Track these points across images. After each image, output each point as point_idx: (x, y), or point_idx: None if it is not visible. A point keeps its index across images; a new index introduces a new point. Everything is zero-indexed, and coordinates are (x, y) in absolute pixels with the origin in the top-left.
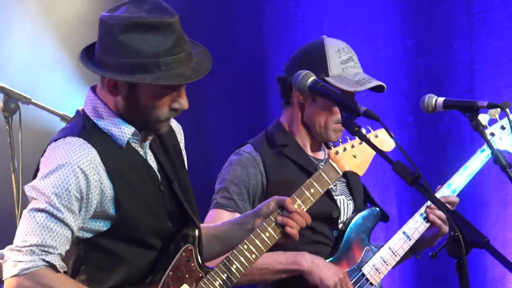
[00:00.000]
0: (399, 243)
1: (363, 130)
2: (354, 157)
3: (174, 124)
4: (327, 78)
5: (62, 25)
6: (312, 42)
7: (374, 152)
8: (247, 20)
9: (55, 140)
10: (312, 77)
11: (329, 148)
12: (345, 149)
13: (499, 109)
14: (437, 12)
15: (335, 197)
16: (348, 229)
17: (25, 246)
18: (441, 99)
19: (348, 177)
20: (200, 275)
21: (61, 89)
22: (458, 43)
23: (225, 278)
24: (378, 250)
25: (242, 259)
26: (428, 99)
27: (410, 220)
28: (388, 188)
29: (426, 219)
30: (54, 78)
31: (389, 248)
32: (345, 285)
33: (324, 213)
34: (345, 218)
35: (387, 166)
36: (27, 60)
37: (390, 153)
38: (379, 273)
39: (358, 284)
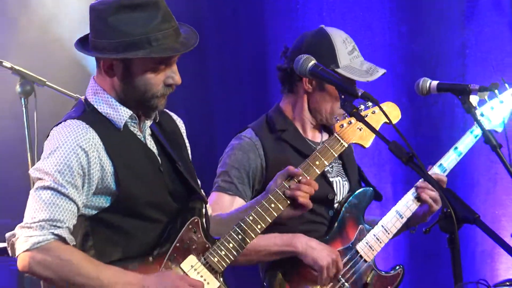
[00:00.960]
0: (391, 221)
1: (362, 106)
2: (360, 130)
3: (175, 117)
4: (337, 70)
5: (75, 13)
6: (314, 33)
7: (379, 124)
8: (249, 9)
9: (57, 125)
10: (313, 61)
11: (329, 130)
12: (350, 123)
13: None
14: (430, 0)
15: (331, 179)
16: (343, 209)
17: (35, 222)
18: (435, 83)
19: (344, 158)
20: (207, 245)
21: (74, 72)
22: (451, 30)
23: (230, 248)
24: (372, 228)
25: (248, 229)
26: (423, 82)
27: (402, 199)
28: (383, 166)
29: (418, 198)
30: (67, 62)
31: (382, 226)
32: (337, 265)
33: (321, 195)
34: (340, 198)
35: (383, 145)
36: (42, 43)
37: (385, 134)
38: (373, 250)
39: (353, 261)
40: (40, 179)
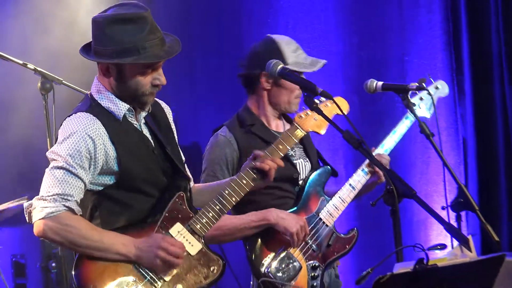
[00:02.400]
0: (346, 193)
1: (317, 101)
2: (315, 120)
3: (164, 105)
4: (286, 66)
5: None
6: (262, 42)
7: (331, 115)
8: (230, 21)
9: (69, 116)
10: (281, 65)
11: (290, 121)
12: (307, 114)
13: (416, 84)
14: (376, 16)
15: (295, 161)
16: (306, 185)
17: (49, 196)
18: (380, 83)
19: (305, 144)
20: (190, 215)
21: (85, 72)
22: (392, 40)
23: (210, 217)
24: (331, 199)
25: (224, 201)
26: (370, 82)
27: (354, 175)
28: (337, 151)
29: (366, 173)
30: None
31: (339, 197)
32: (305, 230)
33: (287, 175)
34: (304, 176)
35: (337, 133)
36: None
37: (338, 123)
38: (332, 216)
39: (317, 227)
40: (54, 160)
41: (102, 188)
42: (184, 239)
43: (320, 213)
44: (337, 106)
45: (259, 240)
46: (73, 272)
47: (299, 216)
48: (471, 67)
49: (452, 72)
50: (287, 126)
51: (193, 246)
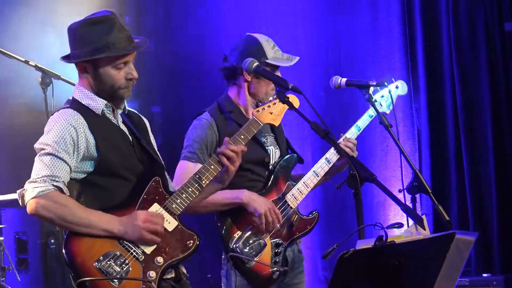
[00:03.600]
0: (310, 178)
1: (278, 99)
2: (271, 113)
3: (142, 117)
4: (267, 61)
5: None
6: (244, 39)
7: (284, 110)
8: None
9: (53, 114)
10: (256, 63)
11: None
12: (263, 109)
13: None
14: (342, 20)
15: (267, 147)
16: (275, 169)
17: (39, 177)
18: (344, 79)
19: (276, 132)
20: (166, 196)
21: None
22: (356, 41)
23: (184, 197)
24: (296, 184)
25: (195, 184)
26: (335, 79)
27: (317, 163)
28: (305, 140)
29: (329, 161)
30: None
31: (303, 182)
32: (273, 211)
33: (259, 159)
34: (273, 161)
35: (306, 124)
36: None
37: (308, 115)
38: (297, 199)
39: (282, 208)
40: (42, 149)
41: (84, 175)
42: None
43: (286, 196)
44: (305, 98)
45: (229, 218)
46: (63, 250)
47: (268, 200)
48: (425, 65)
49: (408, 70)
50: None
51: (170, 223)
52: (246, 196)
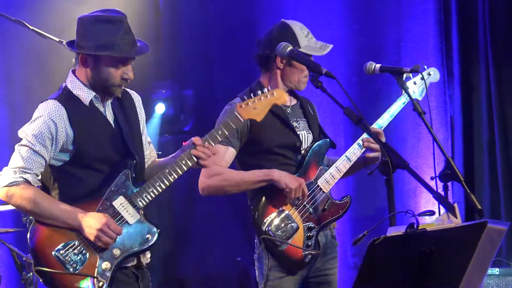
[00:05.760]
0: (342, 164)
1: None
2: (254, 109)
3: (133, 94)
4: (300, 49)
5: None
6: (278, 26)
7: (269, 106)
8: (243, 12)
9: (42, 102)
10: (290, 47)
11: (296, 96)
12: (248, 104)
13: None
14: (375, 5)
15: (298, 132)
16: (308, 154)
17: (12, 168)
18: (378, 65)
19: (308, 117)
20: (134, 190)
21: None
22: (390, 28)
23: (150, 192)
24: (329, 168)
25: (163, 179)
26: (369, 65)
27: (350, 148)
28: (338, 125)
29: (361, 146)
30: None
31: (336, 167)
32: (303, 190)
33: (291, 143)
34: (305, 146)
35: (339, 110)
36: None
37: (340, 101)
38: (329, 184)
39: (314, 192)
40: (22, 138)
41: (61, 164)
42: (125, 210)
43: (318, 181)
44: (339, 84)
45: (261, 202)
46: (28, 236)
47: (298, 177)
48: (459, 52)
49: (442, 57)
50: (294, 101)
51: (132, 216)
52: (277, 173)
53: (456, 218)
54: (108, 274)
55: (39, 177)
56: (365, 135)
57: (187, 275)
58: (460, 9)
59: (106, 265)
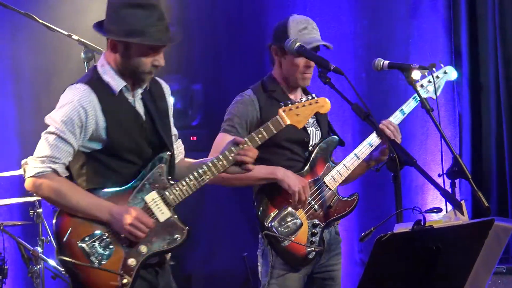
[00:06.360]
0: (350, 161)
1: (309, 96)
2: (297, 115)
3: (163, 83)
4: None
5: None
6: (281, 20)
7: (312, 113)
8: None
9: (71, 85)
10: (298, 43)
11: (306, 92)
12: (290, 109)
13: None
14: (384, 1)
15: (307, 128)
16: (315, 150)
17: (39, 157)
18: (386, 62)
19: (317, 114)
20: (167, 186)
21: None
22: (399, 24)
23: (183, 189)
24: (336, 165)
25: (198, 178)
26: (378, 61)
27: (359, 145)
28: (346, 121)
29: (371, 144)
30: None
31: (343, 164)
32: (306, 191)
33: (299, 138)
34: (313, 143)
35: (347, 106)
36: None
37: (349, 97)
38: (336, 181)
39: (320, 189)
40: (50, 125)
41: (90, 151)
42: (156, 206)
43: (325, 178)
44: (347, 80)
45: (266, 197)
46: (53, 221)
47: (303, 178)
48: (468, 50)
49: (451, 54)
50: (304, 97)
51: (163, 213)
52: (281, 172)
53: (463, 215)
54: (133, 271)
55: (67, 166)
56: (375, 133)
57: (194, 270)
58: (469, 6)
59: (132, 261)
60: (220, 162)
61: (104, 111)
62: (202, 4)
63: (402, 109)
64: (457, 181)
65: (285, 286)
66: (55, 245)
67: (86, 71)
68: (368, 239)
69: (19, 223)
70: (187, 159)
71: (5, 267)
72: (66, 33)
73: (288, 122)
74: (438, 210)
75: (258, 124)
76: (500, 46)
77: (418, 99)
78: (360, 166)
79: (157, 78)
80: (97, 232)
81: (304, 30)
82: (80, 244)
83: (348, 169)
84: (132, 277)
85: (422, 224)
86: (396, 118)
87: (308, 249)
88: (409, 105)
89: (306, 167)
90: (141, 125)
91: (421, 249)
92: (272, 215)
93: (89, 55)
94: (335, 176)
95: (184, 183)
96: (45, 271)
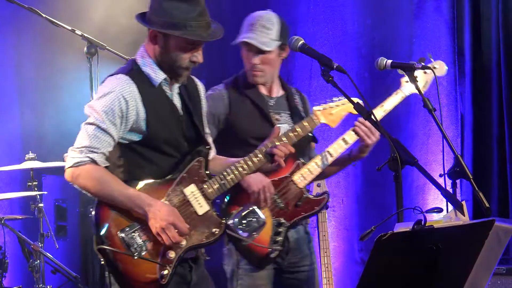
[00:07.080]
0: (322, 159)
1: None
2: (330, 114)
3: (197, 80)
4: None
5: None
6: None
7: (346, 114)
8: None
9: (111, 75)
10: (301, 41)
11: (284, 88)
12: (324, 108)
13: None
14: (388, 1)
15: (278, 125)
16: None
17: (78, 148)
18: (389, 61)
19: (292, 110)
20: (205, 179)
21: (126, 40)
22: (402, 24)
23: (222, 184)
24: (306, 163)
25: (236, 172)
26: (381, 60)
27: (333, 143)
28: (346, 121)
29: (346, 142)
30: (123, 33)
31: (314, 162)
32: (268, 190)
33: (265, 135)
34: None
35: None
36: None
37: (350, 95)
38: (305, 179)
39: (288, 187)
40: (90, 115)
41: (128, 142)
42: (195, 199)
43: (293, 175)
44: (350, 79)
45: (230, 194)
46: (93, 212)
47: (265, 178)
48: (471, 50)
49: (454, 54)
50: (280, 92)
51: (202, 207)
52: None
53: (464, 215)
54: (172, 264)
55: (107, 156)
56: (350, 131)
57: None
58: (473, 5)
59: (171, 254)
60: (256, 158)
61: (144, 102)
62: (208, 1)
63: (383, 105)
64: (458, 181)
65: (252, 285)
66: (94, 235)
67: (89, 66)
68: (368, 238)
69: (20, 217)
70: (219, 156)
71: (6, 261)
72: (70, 28)
73: (323, 121)
74: (439, 210)
75: (227, 120)
76: (503, 46)
77: (402, 95)
78: (339, 161)
79: (193, 77)
80: (137, 223)
81: (250, 27)
82: (120, 235)
83: (319, 167)
84: (172, 269)
85: (423, 224)
86: (377, 115)
87: (270, 249)
88: (391, 102)
89: (277, 165)
90: (178, 119)
91: (421, 249)
92: (234, 212)
93: (92, 50)
94: (305, 174)
95: (222, 177)
96: (45, 265)
